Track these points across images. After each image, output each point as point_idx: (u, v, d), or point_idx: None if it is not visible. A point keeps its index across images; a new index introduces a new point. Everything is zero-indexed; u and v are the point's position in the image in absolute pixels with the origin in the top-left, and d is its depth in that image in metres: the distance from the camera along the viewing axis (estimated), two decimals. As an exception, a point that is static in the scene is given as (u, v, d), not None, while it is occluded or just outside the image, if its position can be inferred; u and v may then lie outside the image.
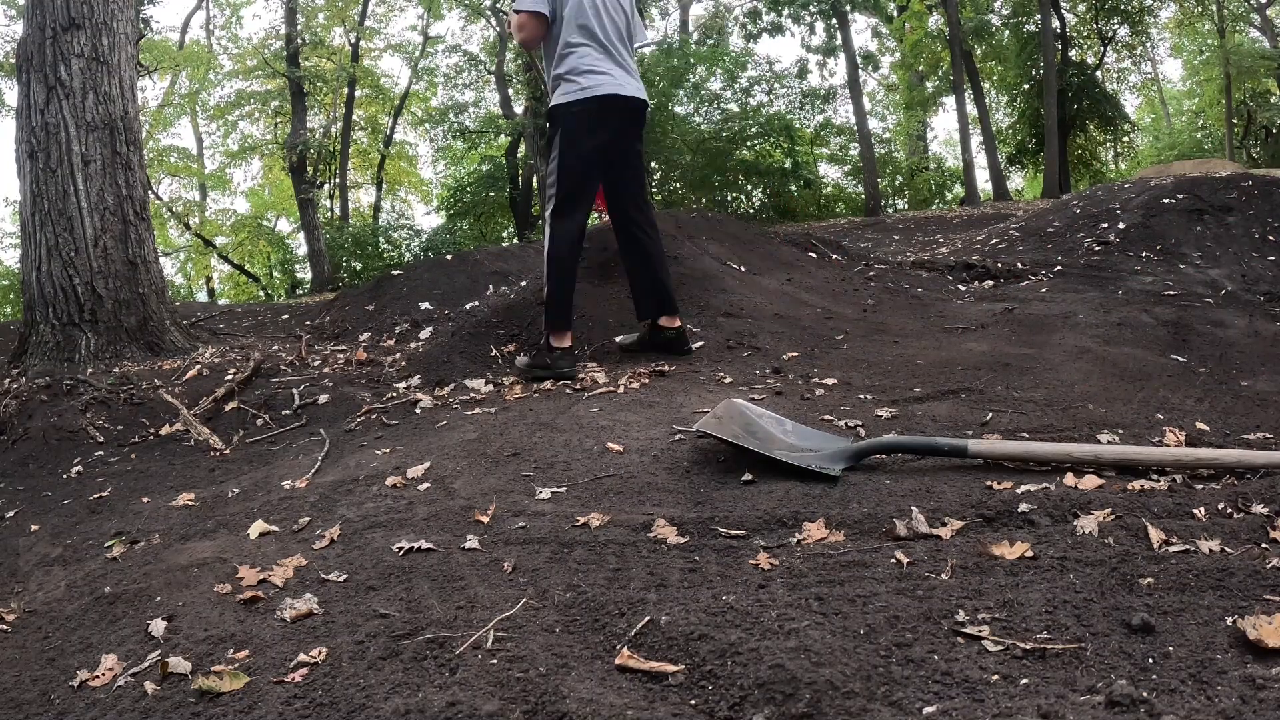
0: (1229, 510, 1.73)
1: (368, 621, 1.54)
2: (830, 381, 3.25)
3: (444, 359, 4.03)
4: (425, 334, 5.26)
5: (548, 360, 3.51)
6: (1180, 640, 1.24)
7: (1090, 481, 1.95)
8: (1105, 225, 6.34)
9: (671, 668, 1.29)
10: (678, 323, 3.68)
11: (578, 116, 3.49)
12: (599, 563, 1.71)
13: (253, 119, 24.27)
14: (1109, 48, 25.35)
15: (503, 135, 22.48)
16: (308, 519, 2.21)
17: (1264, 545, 1.54)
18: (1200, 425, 2.60)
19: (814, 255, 6.06)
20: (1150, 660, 1.20)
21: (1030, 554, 1.56)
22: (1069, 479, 1.97)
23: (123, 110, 5.70)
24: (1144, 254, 5.71)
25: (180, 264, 26.03)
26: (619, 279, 4.24)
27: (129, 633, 1.68)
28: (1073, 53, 23.61)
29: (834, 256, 6.29)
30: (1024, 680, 1.18)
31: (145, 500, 2.84)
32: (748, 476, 2.13)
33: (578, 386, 3.28)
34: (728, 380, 3.27)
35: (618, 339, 3.87)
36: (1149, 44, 27.08)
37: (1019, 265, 5.93)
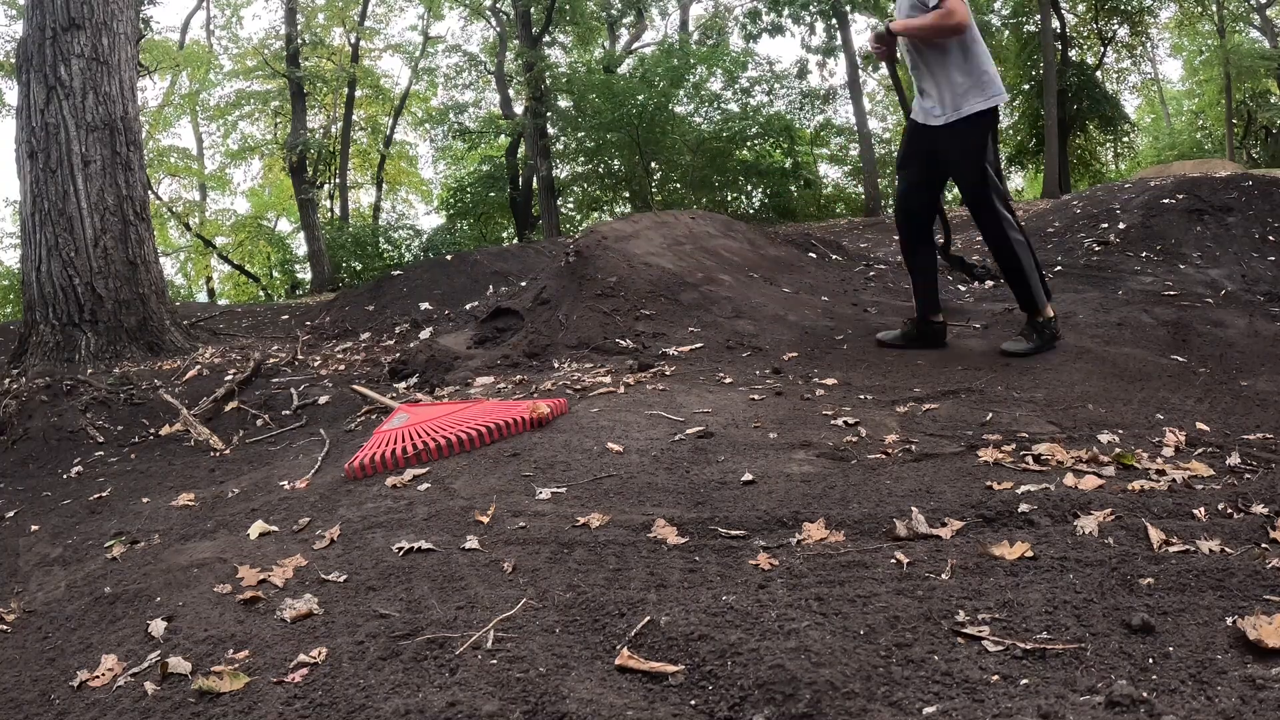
0: (1229, 510, 1.73)
1: (368, 621, 1.54)
2: (830, 381, 3.25)
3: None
4: (425, 334, 5.25)
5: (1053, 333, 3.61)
6: (1180, 640, 1.24)
7: (1090, 481, 1.95)
8: (1105, 225, 6.34)
9: (671, 668, 1.29)
10: None
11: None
12: (599, 563, 1.71)
13: (253, 119, 24.25)
14: (1109, 48, 25.34)
15: (503, 135, 22.47)
16: (308, 519, 2.21)
17: (1264, 545, 1.54)
18: (1200, 425, 2.60)
19: (814, 255, 6.05)
20: (1150, 660, 1.20)
21: (1030, 554, 1.56)
22: (1069, 479, 1.97)
23: (123, 110, 5.70)
24: (1144, 254, 5.71)
25: (180, 264, 26.01)
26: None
27: (129, 633, 1.68)
28: (1073, 53, 23.60)
29: (834, 256, 6.29)
30: (1024, 680, 1.18)
31: (145, 500, 2.84)
32: (747, 476, 2.13)
33: (579, 387, 3.28)
34: (728, 380, 3.27)
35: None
36: (1149, 44, 27.06)
37: (1019, 265, 5.92)
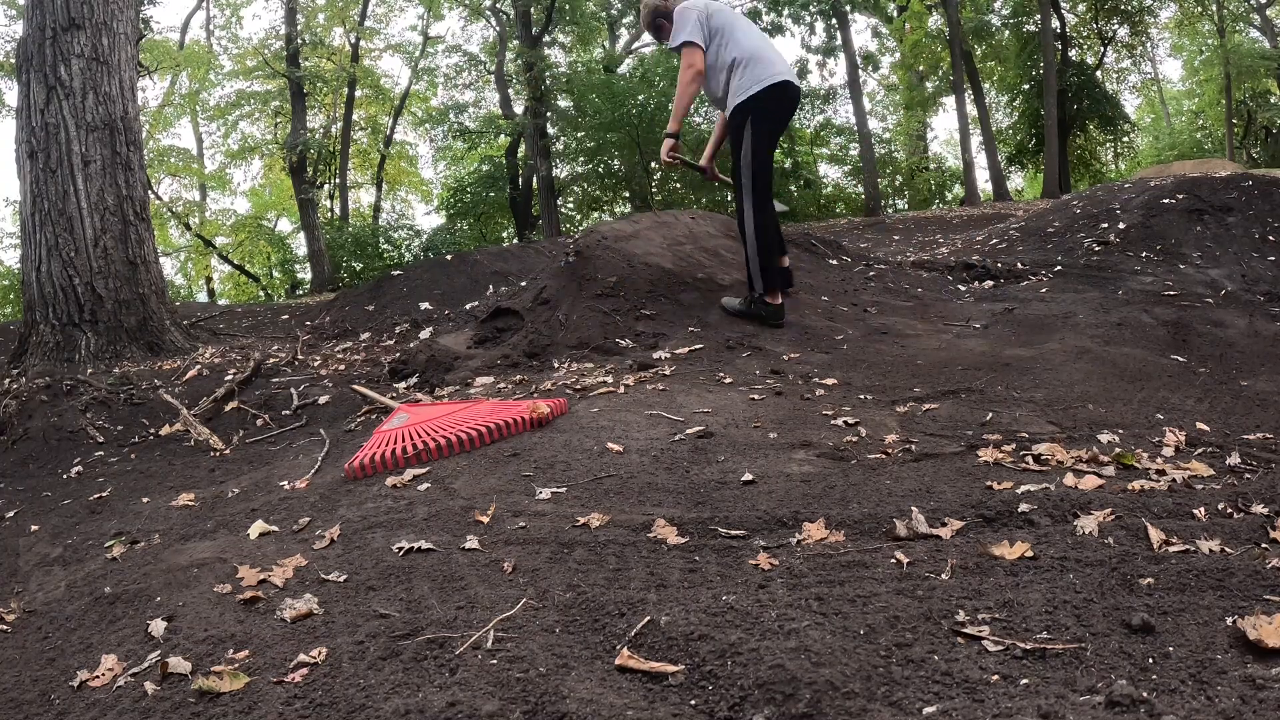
0: (1229, 510, 1.73)
1: (368, 621, 1.54)
2: (830, 381, 3.25)
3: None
4: (425, 334, 5.25)
5: (761, 312, 4.04)
6: (1180, 640, 1.24)
7: (1090, 481, 1.95)
8: (1105, 225, 6.34)
9: (671, 668, 1.29)
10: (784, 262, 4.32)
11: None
12: (599, 563, 1.71)
13: (253, 119, 24.26)
14: (1109, 48, 25.36)
15: (503, 135, 22.49)
16: (308, 519, 2.21)
17: (1264, 545, 1.54)
18: (1200, 425, 2.60)
19: (814, 255, 6.05)
20: (1150, 660, 1.20)
21: (1030, 554, 1.56)
22: (1069, 479, 1.97)
23: (123, 110, 5.70)
24: (1144, 254, 5.71)
25: (180, 264, 26.02)
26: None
27: (129, 633, 1.68)
28: (1073, 53, 23.61)
29: (833, 260, 6.28)
30: (1024, 680, 1.18)
31: (145, 500, 2.84)
32: (747, 476, 2.13)
33: (579, 387, 3.28)
34: (728, 380, 3.27)
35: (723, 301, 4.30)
36: (1149, 44, 27.08)
37: (1019, 265, 5.92)
